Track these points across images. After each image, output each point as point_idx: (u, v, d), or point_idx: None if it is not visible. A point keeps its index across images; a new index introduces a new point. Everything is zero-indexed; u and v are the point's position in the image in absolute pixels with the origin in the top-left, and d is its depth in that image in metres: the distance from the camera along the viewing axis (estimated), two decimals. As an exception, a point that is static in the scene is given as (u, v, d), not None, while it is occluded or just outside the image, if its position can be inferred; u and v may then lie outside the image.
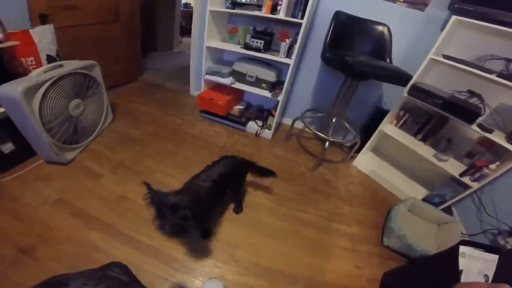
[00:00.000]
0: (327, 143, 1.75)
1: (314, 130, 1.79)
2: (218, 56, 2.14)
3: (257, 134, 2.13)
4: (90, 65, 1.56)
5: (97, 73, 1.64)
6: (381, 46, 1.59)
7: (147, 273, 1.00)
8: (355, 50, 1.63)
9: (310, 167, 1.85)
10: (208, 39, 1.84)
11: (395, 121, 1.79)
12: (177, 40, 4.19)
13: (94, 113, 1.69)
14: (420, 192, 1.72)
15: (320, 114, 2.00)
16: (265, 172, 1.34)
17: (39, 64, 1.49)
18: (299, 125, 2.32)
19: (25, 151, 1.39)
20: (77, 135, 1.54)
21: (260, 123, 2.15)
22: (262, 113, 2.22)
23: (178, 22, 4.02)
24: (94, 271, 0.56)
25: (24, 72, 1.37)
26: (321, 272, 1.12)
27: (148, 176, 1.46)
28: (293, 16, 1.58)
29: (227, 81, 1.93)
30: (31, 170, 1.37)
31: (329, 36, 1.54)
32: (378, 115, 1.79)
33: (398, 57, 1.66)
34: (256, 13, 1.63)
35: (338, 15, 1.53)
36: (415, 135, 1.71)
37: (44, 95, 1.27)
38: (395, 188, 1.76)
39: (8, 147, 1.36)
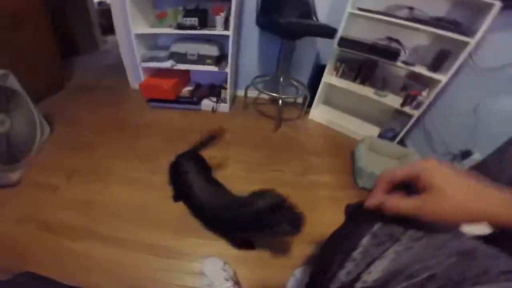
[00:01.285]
0: (280, 102, 1.86)
1: (266, 92, 1.88)
2: (151, 43, 2.03)
3: (213, 110, 2.13)
4: (2, 75, 1.35)
5: (13, 82, 1.42)
6: (307, 8, 1.77)
7: (141, 269, 0.98)
8: (285, 14, 1.75)
9: (272, 129, 1.95)
10: (135, 27, 1.71)
11: (334, 72, 1.97)
12: (101, 40, 3.78)
13: (25, 126, 1.49)
14: (375, 131, 1.95)
15: (268, 78, 2.08)
16: (207, 141, 1.20)
17: None
18: (253, 93, 2.37)
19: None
20: (13, 153, 1.36)
21: (214, 99, 2.14)
22: (215, 89, 2.21)
23: (96, 21, 3.58)
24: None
25: None
26: (312, 226, 1.02)
27: (108, 174, 1.39)
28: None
29: (167, 64, 1.85)
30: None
31: (259, 3, 1.65)
32: (320, 70, 1.93)
33: (323, 16, 1.83)
34: None
35: None
36: (354, 80, 1.93)
37: None
38: (352, 132, 1.96)
39: None
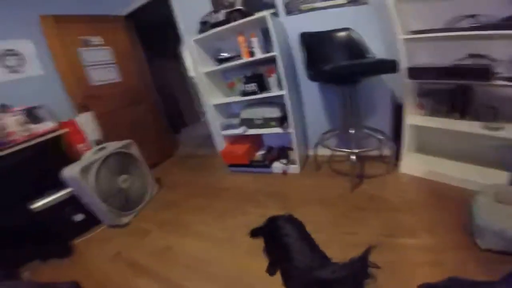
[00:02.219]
0: (353, 157, 1.62)
1: (335, 149, 1.72)
2: (228, 111, 2.46)
3: (284, 172, 2.10)
4: (127, 144, 1.99)
5: (134, 150, 2.05)
6: (356, 47, 1.67)
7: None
8: (335, 60, 1.72)
9: (349, 187, 1.69)
10: (212, 98, 2.18)
11: (420, 111, 1.60)
12: (201, 111, 4.64)
13: (140, 185, 2.05)
14: (496, 175, 1.39)
15: (336, 132, 1.93)
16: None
17: (89, 148, 1.96)
18: (325, 151, 2.22)
19: (92, 219, 1.81)
20: (129, 203, 1.89)
21: (284, 161, 2.14)
22: (284, 151, 2.25)
23: (196, 95, 4.52)
24: None
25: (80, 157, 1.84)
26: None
27: (188, 227, 1.68)
28: (268, 52, 1.80)
29: (240, 130, 2.12)
30: (97, 233, 1.79)
31: (304, 56, 1.70)
32: (400, 112, 1.64)
33: (382, 50, 1.70)
34: (239, 61, 1.93)
35: (303, 36, 1.72)
36: (448, 115, 1.50)
37: (97, 173, 1.68)
38: (460, 180, 1.46)
39: (79, 217, 1.78)
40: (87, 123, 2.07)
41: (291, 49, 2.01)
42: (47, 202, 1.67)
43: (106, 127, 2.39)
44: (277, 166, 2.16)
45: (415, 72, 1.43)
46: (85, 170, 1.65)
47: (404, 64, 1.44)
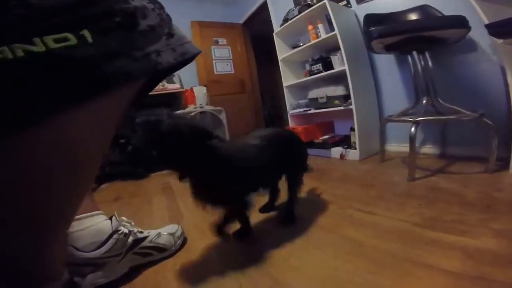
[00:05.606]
0: (412, 128, 1.26)
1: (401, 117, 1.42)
2: (302, 96, 2.49)
3: (341, 156, 1.89)
4: (219, 110, 2.56)
5: (223, 116, 2.57)
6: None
7: None
8: None
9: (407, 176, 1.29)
10: (286, 81, 2.33)
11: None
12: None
13: None
14: None
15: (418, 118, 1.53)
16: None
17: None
18: (404, 147, 1.78)
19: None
20: None
21: (345, 146, 1.94)
22: (348, 137, 2.01)
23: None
24: None
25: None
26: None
27: None
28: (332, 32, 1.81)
29: (301, 109, 2.14)
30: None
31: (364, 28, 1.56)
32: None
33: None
34: (307, 44, 2.06)
35: (369, 18, 1.54)
36: None
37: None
38: None
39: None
40: (200, 93, 2.82)
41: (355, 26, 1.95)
42: None
43: (215, 102, 3.04)
44: (337, 150, 1.97)
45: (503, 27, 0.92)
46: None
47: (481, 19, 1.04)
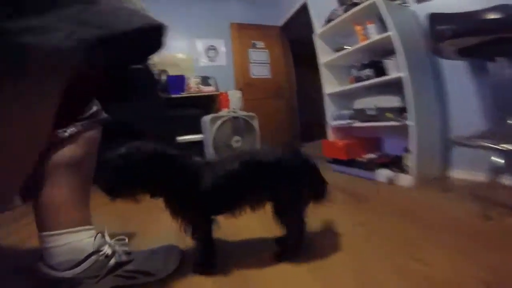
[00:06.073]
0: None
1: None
2: (348, 105, 2.21)
3: (390, 181, 1.59)
4: (251, 116, 2.42)
5: (255, 123, 2.42)
6: None
7: None
8: None
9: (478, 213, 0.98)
10: (328, 88, 2.07)
11: None
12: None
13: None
14: None
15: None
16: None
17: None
18: (475, 175, 1.42)
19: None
20: None
21: (395, 169, 1.62)
22: (400, 159, 1.69)
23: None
24: None
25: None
26: None
27: None
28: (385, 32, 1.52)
29: (345, 121, 1.88)
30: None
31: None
32: None
33: None
34: (356, 46, 1.77)
35: (436, 16, 1.22)
36: None
37: (221, 125, 2.21)
38: None
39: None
40: (234, 97, 2.71)
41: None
42: (187, 139, 2.45)
43: (249, 107, 2.89)
44: (384, 173, 1.65)
45: None
46: (214, 119, 2.23)
47: None
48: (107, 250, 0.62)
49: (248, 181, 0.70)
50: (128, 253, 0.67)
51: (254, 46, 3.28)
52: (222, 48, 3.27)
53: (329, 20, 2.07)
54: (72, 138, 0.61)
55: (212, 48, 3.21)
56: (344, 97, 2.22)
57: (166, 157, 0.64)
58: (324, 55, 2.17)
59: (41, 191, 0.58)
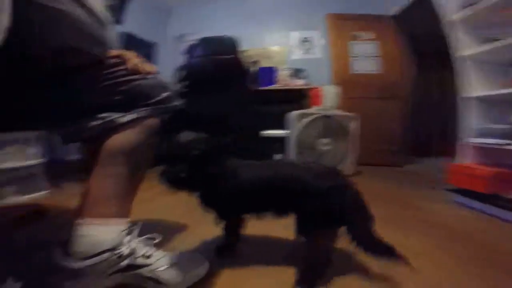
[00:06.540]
0: None
1: None
2: (496, 116, 1.56)
3: None
4: (349, 117, 2.05)
5: (352, 126, 2.05)
6: None
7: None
8: None
9: None
10: (468, 90, 1.51)
11: None
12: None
13: (335, 157, 2.07)
14: None
15: None
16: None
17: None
18: None
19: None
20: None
21: None
22: None
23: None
24: None
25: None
26: None
27: None
28: None
29: (494, 140, 1.29)
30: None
31: None
32: None
33: None
34: None
35: None
36: None
37: (308, 124, 1.97)
38: None
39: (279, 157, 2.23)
40: (329, 93, 2.31)
41: None
42: (270, 133, 2.35)
43: (346, 106, 2.35)
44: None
45: None
46: (301, 117, 2.00)
47: None
48: (124, 250, 0.59)
49: (272, 193, 0.70)
50: (147, 257, 0.62)
51: (356, 38, 2.83)
52: (319, 40, 3.01)
53: (469, 4, 1.47)
54: (129, 124, 0.58)
55: (306, 40, 3.01)
56: (493, 105, 1.56)
57: (209, 155, 0.67)
58: (463, 47, 1.58)
59: (89, 177, 0.58)
